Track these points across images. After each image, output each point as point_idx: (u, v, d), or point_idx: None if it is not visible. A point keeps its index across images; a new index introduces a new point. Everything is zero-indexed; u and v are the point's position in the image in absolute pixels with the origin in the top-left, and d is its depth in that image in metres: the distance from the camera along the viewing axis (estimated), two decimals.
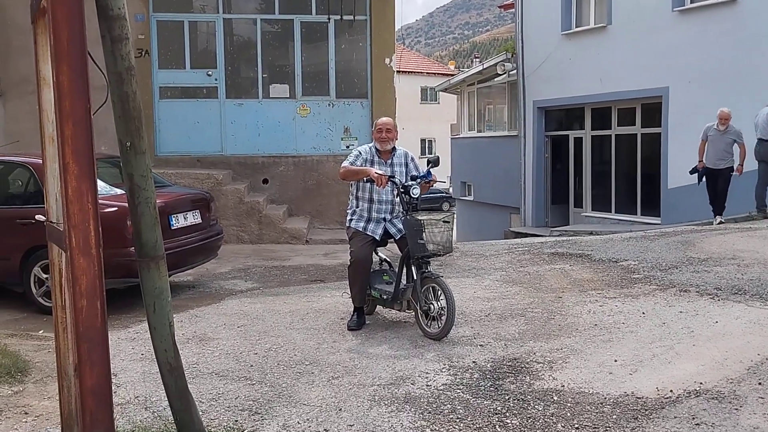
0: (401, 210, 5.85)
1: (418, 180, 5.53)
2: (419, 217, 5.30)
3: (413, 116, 38.55)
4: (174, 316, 6.67)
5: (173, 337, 3.41)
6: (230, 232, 10.61)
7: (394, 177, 5.56)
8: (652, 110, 14.42)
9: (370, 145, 5.90)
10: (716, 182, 10.97)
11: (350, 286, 5.81)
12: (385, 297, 5.60)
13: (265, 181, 11.89)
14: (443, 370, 4.51)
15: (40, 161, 7.24)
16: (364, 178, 5.54)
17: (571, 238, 11.00)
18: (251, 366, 4.84)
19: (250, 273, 8.81)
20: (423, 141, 45.72)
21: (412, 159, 5.95)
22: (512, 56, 17.90)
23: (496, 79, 19.13)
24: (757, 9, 12.05)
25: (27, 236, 6.98)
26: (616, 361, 4.45)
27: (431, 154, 34.93)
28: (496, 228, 17.83)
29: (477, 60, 62.91)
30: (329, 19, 11.97)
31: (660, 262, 7.27)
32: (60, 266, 3.62)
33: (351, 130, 12.24)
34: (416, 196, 5.43)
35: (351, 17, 11.97)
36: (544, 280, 7.00)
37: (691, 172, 11.25)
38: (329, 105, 12.20)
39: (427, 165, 5.65)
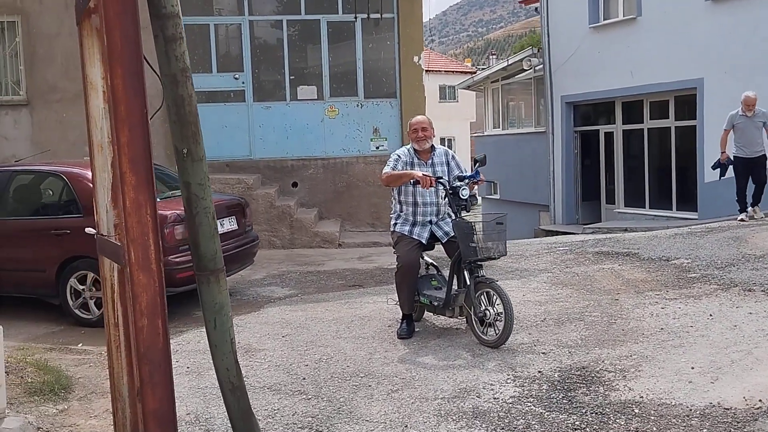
0: (448, 212, 5.63)
1: (466, 180, 5.30)
2: (471, 219, 5.08)
3: (432, 115, 37.80)
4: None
5: (235, 354, 3.21)
6: (262, 237, 10.42)
7: (441, 178, 5.33)
8: (686, 102, 14.06)
9: (408, 147, 5.67)
10: (753, 172, 9.94)
11: (398, 293, 5.59)
12: (435, 303, 5.37)
13: (295, 185, 11.71)
14: (508, 381, 4.28)
15: (74, 170, 7.15)
16: (410, 181, 5.30)
17: (609, 235, 10.70)
18: (304, 379, 4.63)
19: (286, 279, 8.63)
20: (443, 140, 45.39)
21: (453, 157, 5.71)
22: (538, 51, 17.59)
23: (521, 75, 18.83)
24: None
25: (62, 247, 6.85)
26: (693, 368, 4.19)
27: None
28: (525, 227, 17.50)
29: (494, 57, 62.50)
30: (356, 18, 11.76)
31: (714, 260, 6.98)
32: (112, 281, 3.42)
33: (380, 130, 12.02)
34: (466, 198, 5.20)
35: (378, 15, 11.75)
36: (595, 281, 6.73)
37: (714, 167, 10.38)
38: (357, 105, 11.99)
39: (474, 164, 5.42)
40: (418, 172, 5.26)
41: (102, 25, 2.71)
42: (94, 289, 6.77)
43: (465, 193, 5.16)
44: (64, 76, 11.28)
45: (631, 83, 14.84)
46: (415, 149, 5.57)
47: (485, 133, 21.92)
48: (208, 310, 3.15)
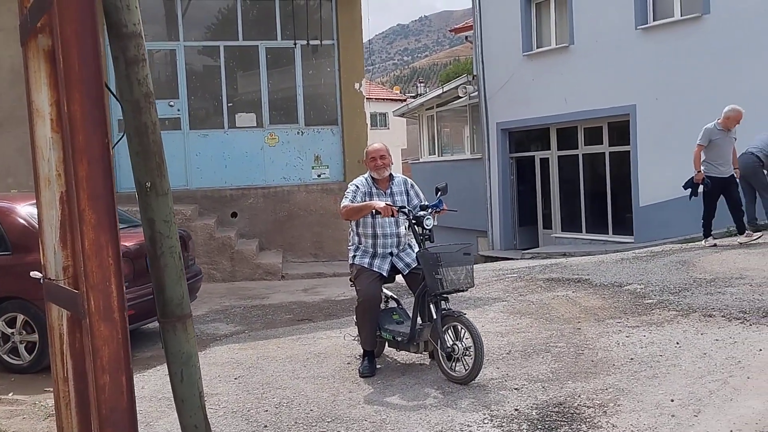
0: (408, 242, 5.44)
1: (430, 210, 5.13)
2: (435, 251, 4.89)
3: None
4: (158, 368, 6.09)
5: (204, 410, 2.90)
6: (202, 270, 10.00)
7: (404, 207, 5.14)
8: (620, 128, 14.38)
9: (365, 176, 5.46)
10: (725, 193, 8.99)
11: (359, 328, 5.33)
12: (399, 339, 5.14)
13: (234, 215, 11.33)
14: (486, 422, 4.07)
15: (2, 204, 6.61)
16: (372, 211, 5.08)
17: (554, 261, 10.73)
18: (265, 426, 4.31)
19: (230, 314, 8.24)
20: None
21: (413, 186, 5.54)
22: (473, 78, 17.76)
23: (456, 102, 18.97)
24: (723, 25, 12.13)
25: None
26: (672, 400, 4.08)
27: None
28: None
29: (421, 84, 63.38)
30: (295, 44, 11.56)
31: (667, 285, 7.00)
32: (61, 331, 3.07)
33: (322, 158, 11.79)
34: (430, 227, 5.02)
35: (317, 42, 11.59)
36: (552, 310, 6.64)
37: (686, 186, 9.42)
38: (298, 133, 11.74)
39: (436, 193, 5.26)
40: (378, 203, 5.05)
41: (57, 44, 2.41)
42: (24, 332, 6.26)
43: (429, 222, 4.98)
44: None
45: (566, 110, 15.13)
46: (373, 178, 5.37)
47: (421, 160, 21.97)
48: (175, 361, 2.83)
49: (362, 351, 5.39)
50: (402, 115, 24.94)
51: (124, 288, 2.55)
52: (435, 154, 20.95)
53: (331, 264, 11.25)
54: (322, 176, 11.78)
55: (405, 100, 42.03)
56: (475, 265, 5.43)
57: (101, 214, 2.46)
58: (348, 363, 5.56)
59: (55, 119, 3.00)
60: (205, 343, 6.78)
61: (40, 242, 3.05)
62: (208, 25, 11.78)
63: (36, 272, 3.28)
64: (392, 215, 5.02)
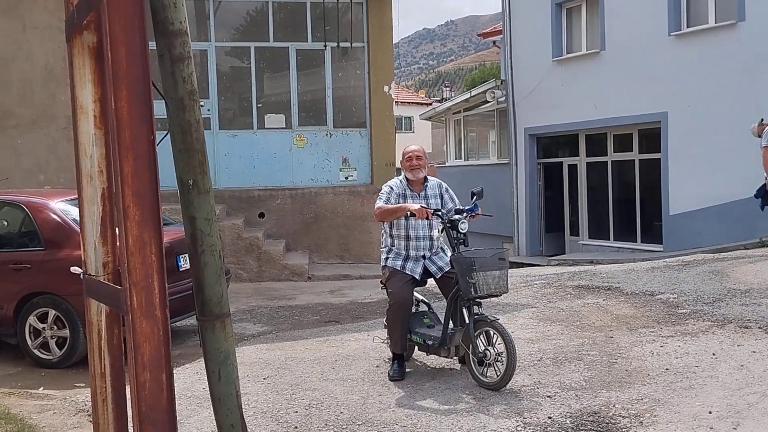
0: (441, 246, 5.41)
1: (465, 213, 5.09)
2: (470, 255, 4.85)
3: None
4: (187, 366, 6.12)
5: (241, 409, 2.88)
6: (230, 269, 10.04)
7: (439, 210, 5.10)
8: (651, 135, 14.22)
9: (400, 178, 5.45)
10: None
11: (389, 331, 5.30)
12: (430, 342, 5.10)
13: (262, 215, 11.36)
14: (518, 428, 4.02)
15: (36, 200, 6.70)
16: (407, 213, 5.05)
17: (583, 268, 10.61)
18: (295, 428, 4.30)
19: (257, 315, 8.26)
20: (398, 170, 45.42)
21: (447, 189, 5.50)
22: (501, 83, 17.67)
23: (484, 107, 18.89)
24: (758, 32, 11.95)
25: (21, 282, 6.41)
26: (710, 412, 4.00)
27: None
28: None
29: (447, 89, 63.29)
30: (326, 46, 11.57)
31: (701, 295, 6.89)
32: (99, 327, 3.08)
33: (350, 160, 11.79)
34: (465, 231, 4.98)
35: (348, 44, 11.59)
36: (583, 317, 6.56)
37: (758, 195, 8.79)
38: (327, 135, 11.75)
39: (472, 197, 5.22)
40: (413, 205, 5.03)
41: (106, 41, 2.41)
42: (55, 327, 6.32)
43: (464, 226, 4.94)
44: (19, 102, 10.77)
45: (595, 116, 14.99)
46: (407, 179, 5.34)
47: (446, 164, 21.90)
48: (213, 360, 2.83)
49: (391, 354, 5.36)
50: (428, 119, 24.91)
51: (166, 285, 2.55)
52: (461, 158, 20.88)
53: (357, 266, 11.23)
54: (350, 179, 11.78)
55: (430, 104, 42.03)
56: None
57: (145, 210, 2.47)
58: (377, 366, 5.53)
59: (99, 116, 3.02)
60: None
61: (81, 238, 3.07)
62: (238, 26, 11.84)
63: (76, 267, 3.29)
64: (427, 218, 4.99)
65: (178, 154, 2.74)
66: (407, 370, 5.31)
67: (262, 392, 5.06)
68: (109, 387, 3.06)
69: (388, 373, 5.21)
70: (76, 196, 7.34)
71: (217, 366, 2.82)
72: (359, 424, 4.27)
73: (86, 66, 2.98)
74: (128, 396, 3.09)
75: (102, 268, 3.03)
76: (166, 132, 2.73)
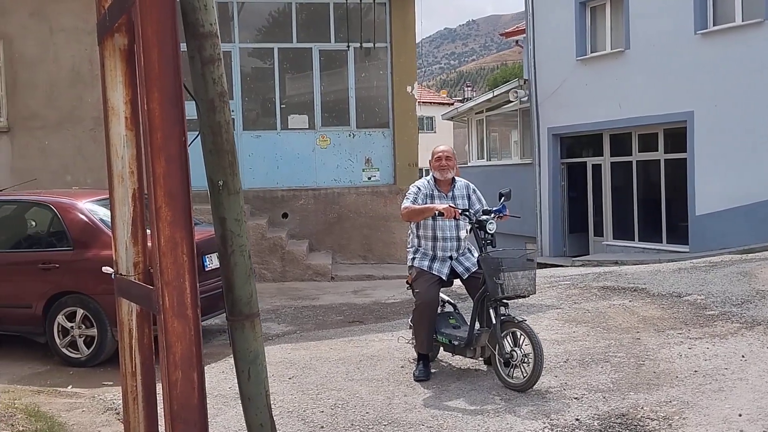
0: (468, 247, 5.39)
1: (492, 214, 5.07)
2: (497, 255, 4.83)
3: None
4: (213, 365, 6.16)
5: (270, 409, 2.90)
6: (254, 269, 10.09)
7: (467, 210, 5.09)
8: (676, 135, 14.07)
9: (427, 178, 5.44)
10: None
11: (415, 331, 5.29)
12: (456, 343, 5.08)
13: (285, 216, 11.41)
14: (545, 430, 4.00)
15: (64, 200, 6.78)
16: (435, 213, 5.04)
17: (608, 269, 10.52)
18: (322, 428, 4.31)
19: (281, 314, 8.29)
20: (421, 171, 45.40)
21: (475, 191, 5.48)
22: (524, 83, 17.59)
23: (507, 107, 18.82)
24: None
25: (50, 282, 6.47)
26: (740, 415, 3.95)
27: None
28: None
29: (468, 88, 63.06)
30: (348, 46, 11.59)
31: (729, 296, 6.81)
32: (131, 326, 3.11)
33: (372, 161, 11.80)
34: (492, 232, 4.96)
35: (371, 44, 11.60)
36: (609, 319, 6.51)
37: None
38: (350, 135, 11.77)
39: (500, 198, 5.20)
40: (439, 206, 5.02)
41: (139, 43, 2.43)
42: (83, 326, 6.39)
43: (492, 227, 4.92)
44: (46, 103, 10.92)
45: (620, 115, 14.87)
46: (435, 179, 5.33)
47: (469, 164, 21.85)
48: (242, 359, 2.85)
49: (416, 354, 5.35)
50: (451, 119, 24.87)
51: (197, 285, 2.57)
52: (483, 158, 20.81)
53: (381, 267, 11.24)
54: (373, 179, 11.79)
55: (452, 104, 41.91)
56: None
57: (177, 211, 2.49)
58: (401, 366, 5.53)
59: (130, 117, 3.05)
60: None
61: (113, 238, 3.09)
62: (261, 27, 11.91)
63: (108, 267, 3.32)
64: (454, 217, 4.98)
65: (209, 155, 2.76)
66: (432, 370, 5.30)
67: (288, 392, 5.08)
68: (139, 385, 3.09)
69: (414, 374, 5.21)
70: (104, 196, 7.43)
71: (247, 365, 2.84)
72: (385, 425, 4.27)
73: (117, 68, 3.01)
74: (159, 394, 3.13)
75: (133, 267, 3.06)
76: (197, 134, 2.74)
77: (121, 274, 3.06)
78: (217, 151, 2.76)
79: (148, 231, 2.70)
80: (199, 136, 2.75)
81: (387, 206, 11.50)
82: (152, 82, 2.45)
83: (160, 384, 3.08)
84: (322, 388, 5.11)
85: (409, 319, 5.51)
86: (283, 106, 11.69)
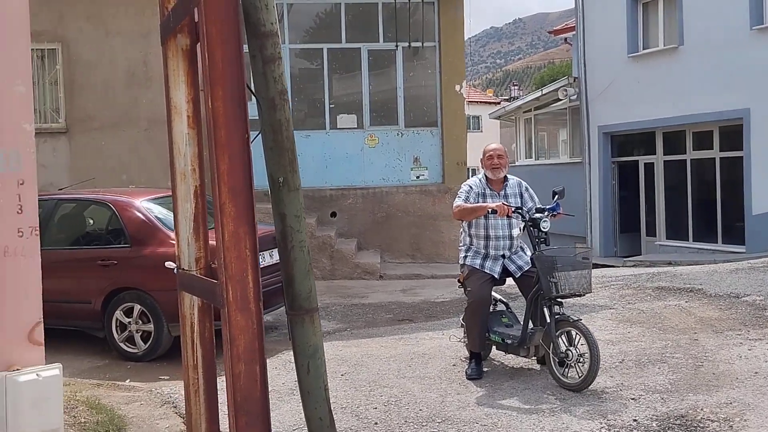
0: (521, 245, 5.35)
1: (546, 212, 5.03)
2: (551, 254, 4.79)
3: None
4: (267, 360, 6.23)
5: (329, 402, 2.94)
6: None
7: (520, 208, 5.06)
8: (732, 133, 13.71)
9: (479, 176, 5.42)
10: None
11: (467, 330, 5.28)
12: (509, 341, 5.05)
13: (334, 215, 11.48)
14: (602, 430, 3.95)
15: (122, 198, 6.94)
16: (488, 211, 5.01)
17: (662, 269, 10.32)
18: (376, 424, 4.34)
19: (331, 312, 8.35)
20: (471, 170, 45.10)
21: (527, 188, 5.44)
22: (574, 81, 17.37)
23: (555, 105, 18.60)
24: None
25: (108, 278, 6.63)
26: None
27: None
28: None
29: (515, 87, 62.48)
30: (397, 46, 11.62)
31: None
32: (192, 320, 3.18)
33: (421, 160, 11.79)
34: (546, 230, 4.92)
35: (419, 44, 11.60)
36: (665, 319, 6.39)
37: None
38: (398, 134, 11.79)
39: (553, 197, 5.15)
40: (493, 203, 5.00)
41: (203, 43, 2.49)
42: (140, 322, 6.54)
43: (546, 225, 4.88)
44: (102, 105, 11.20)
45: (673, 113, 14.55)
46: (486, 178, 5.31)
47: (517, 163, 21.67)
48: (302, 353, 2.89)
49: (468, 353, 5.34)
50: (498, 118, 24.70)
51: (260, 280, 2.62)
52: (531, 157, 20.62)
53: (429, 266, 11.23)
54: (421, 178, 11.79)
55: (498, 103, 41.63)
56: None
57: (240, 207, 2.54)
58: (453, 364, 5.52)
59: (192, 116, 3.12)
60: None
61: (175, 234, 3.16)
62: (309, 28, 12.00)
63: (170, 263, 3.40)
64: (508, 216, 4.96)
65: (269, 152, 2.80)
66: (484, 369, 5.28)
67: (341, 388, 5.11)
68: (201, 378, 3.16)
69: (466, 372, 5.20)
70: (160, 195, 7.58)
71: (306, 359, 2.88)
72: (439, 422, 4.27)
73: (180, 68, 3.08)
74: (220, 387, 3.19)
75: (195, 263, 3.13)
76: (258, 132, 2.78)
77: (183, 269, 3.13)
78: (278, 148, 2.80)
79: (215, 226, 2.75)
80: (260, 134, 2.79)
81: (435, 205, 11.49)
82: (216, 81, 2.51)
83: (220, 377, 3.14)
84: (375, 385, 5.14)
85: (461, 318, 5.50)
86: (332, 105, 11.77)
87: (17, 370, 3.85)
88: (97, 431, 4.52)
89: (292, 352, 5.99)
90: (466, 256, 5.31)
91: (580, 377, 4.60)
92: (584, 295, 4.82)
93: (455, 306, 8.30)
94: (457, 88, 11.69)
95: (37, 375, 3.81)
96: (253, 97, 2.75)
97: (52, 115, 11.16)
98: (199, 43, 3.02)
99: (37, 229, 4.05)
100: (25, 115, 4.06)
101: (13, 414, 3.68)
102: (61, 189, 8.35)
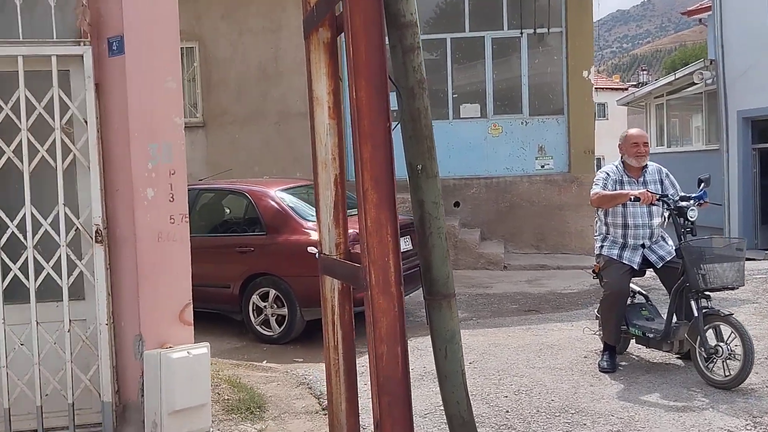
0: (662, 234, 5.15)
1: (692, 201, 4.82)
2: (699, 244, 4.59)
3: None
4: None
5: (466, 387, 2.97)
6: None
7: (665, 195, 4.87)
8: None
9: (615, 163, 5.26)
10: None
11: (603, 322, 5.14)
12: (650, 335, 4.87)
13: (457, 204, 11.48)
14: (748, 428, 3.77)
15: (258, 188, 7.26)
16: (630, 198, 4.85)
17: None
18: (507, 412, 4.33)
19: (456, 301, 8.37)
20: (599, 159, 43.68)
21: (668, 175, 5.22)
22: (710, 64, 16.42)
23: (690, 89, 17.67)
24: None
25: (246, 264, 6.96)
26: None
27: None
28: None
29: (644, 72, 59.76)
30: (522, 33, 11.43)
31: None
32: (333, 303, 3.30)
33: (546, 148, 11.57)
34: (693, 219, 4.72)
35: (545, 30, 11.36)
36: None
37: None
38: (522, 123, 11.62)
39: (699, 184, 4.93)
40: (635, 191, 4.85)
41: (348, 36, 2.57)
42: (275, 306, 6.83)
43: (693, 214, 4.69)
44: (236, 100, 11.75)
45: None
46: (624, 164, 5.15)
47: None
48: (440, 338, 2.93)
49: (602, 345, 5.22)
50: (626, 104, 23.79)
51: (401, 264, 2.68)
52: (663, 144, 19.71)
53: (554, 257, 11.02)
54: (546, 167, 11.56)
55: (626, 89, 40.01)
56: None
57: (382, 194, 2.61)
58: (584, 356, 5.41)
59: (332, 107, 3.23)
60: None
61: (317, 220, 3.29)
62: (430, 19, 12.00)
63: (312, 248, 3.55)
64: (650, 203, 4.79)
65: (408, 140, 2.86)
66: (621, 364, 5.13)
67: (470, 376, 5.07)
68: (341, 359, 3.27)
69: (599, 364, 5.08)
70: (293, 185, 7.88)
71: (444, 344, 2.92)
72: (572, 413, 4.21)
73: (321, 60, 3.19)
74: (360, 368, 3.30)
75: (335, 248, 3.25)
76: (397, 121, 2.84)
77: (324, 254, 3.26)
78: (417, 136, 2.86)
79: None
80: (399, 124, 2.85)
81: (561, 195, 11.25)
82: (360, 72, 2.59)
83: (360, 359, 3.26)
84: (504, 373, 5.13)
85: (596, 310, 5.38)
86: (455, 95, 11.76)
87: (170, 347, 4.16)
88: (240, 408, 4.79)
89: (422, 338, 6.10)
90: (602, 246, 5.17)
91: (730, 374, 4.38)
92: (736, 288, 4.59)
93: (583, 297, 8.12)
94: (585, 74, 11.36)
95: (187, 353, 4.11)
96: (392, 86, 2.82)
97: (191, 110, 11.82)
98: (339, 36, 3.13)
99: (187, 216, 4.35)
100: (175, 109, 4.37)
101: (167, 388, 3.98)
102: (200, 180, 8.84)
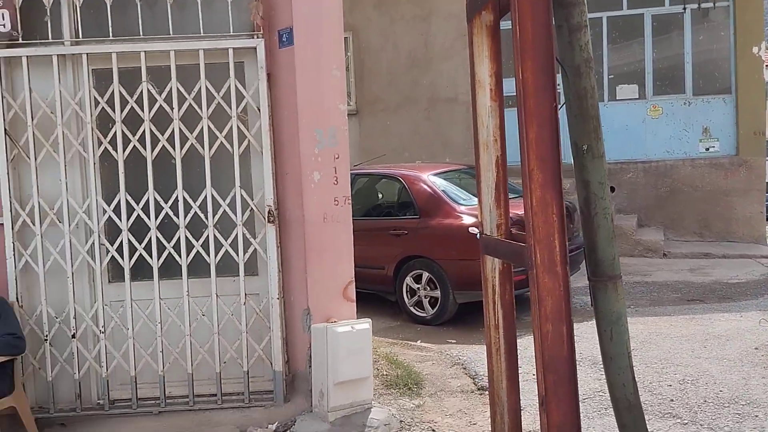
0: None
1: None
2: None
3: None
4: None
5: (632, 369, 2.92)
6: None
7: None
8: None
9: None
10: None
11: None
12: None
13: (612, 189, 11.09)
14: None
15: (411, 173, 7.41)
16: None
17: None
18: (671, 401, 4.20)
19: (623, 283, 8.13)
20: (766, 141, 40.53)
21: None
22: None
23: None
24: None
25: (400, 247, 7.14)
26: None
27: None
28: None
29: None
30: (684, 8, 10.81)
31: None
32: (494, 283, 3.35)
33: (711, 130, 10.90)
34: None
35: (710, 4, 10.68)
36: None
37: None
38: (684, 103, 11.01)
39: None
40: None
41: (515, 17, 2.60)
42: (428, 288, 6.96)
43: None
44: (387, 87, 12.00)
45: None
46: None
47: None
48: (605, 319, 2.90)
49: None
50: None
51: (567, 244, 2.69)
52: None
53: (719, 245, 10.39)
54: (711, 150, 10.90)
55: None
56: None
57: (548, 174, 2.63)
58: (755, 348, 5.12)
59: (494, 89, 3.26)
60: (591, 314, 6.80)
61: (478, 201, 3.35)
62: None
63: (474, 228, 3.62)
64: None
65: (574, 119, 2.84)
66: None
67: None
68: (501, 338, 3.32)
69: None
70: (444, 169, 7.98)
71: (609, 325, 2.89)
72: (743, 404, 4.02)
73: (484, 44, 3.23)
74: (519, 347, 3.34)
75: (496, 229, 3.29)
76: (564, 101, 2.84)
77: (486, 235, 3.31)
78: (583, 115, 2.83)
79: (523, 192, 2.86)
80: (564, 103, 2.85)
81: (728, 179, 10.57)
82: (526, 52, 2.61)
83: (519, 339, 3.29)
84: (667, 363, 4.96)
85: None
86: (611, 76, 11.34)
87: (335, 321, 4.39)
88: (398, 384, 4.97)
89: (576, 324, 6.01)
90: None
91: None
92: None
93: (753, 288, 7.64)
94: (755, 50, 10.56)
95: (351, 327, 4.32)
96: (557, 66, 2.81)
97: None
98: (502, 18, 3.16)
99: (349, 198, 4.57)
100: (340, 96, 4.59)
101: (333, 360, 4.21)
102: (355, 165, 9.14)
